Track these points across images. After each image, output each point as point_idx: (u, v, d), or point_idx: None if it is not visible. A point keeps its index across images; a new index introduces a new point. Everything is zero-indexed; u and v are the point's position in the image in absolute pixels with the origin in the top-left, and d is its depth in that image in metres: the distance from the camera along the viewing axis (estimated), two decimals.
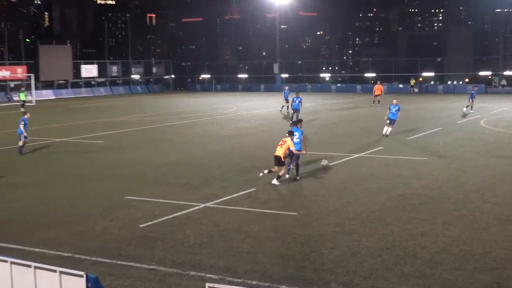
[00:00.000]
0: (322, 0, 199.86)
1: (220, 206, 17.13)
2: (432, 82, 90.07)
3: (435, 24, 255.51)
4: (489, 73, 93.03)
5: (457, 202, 17.27)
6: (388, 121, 32.04)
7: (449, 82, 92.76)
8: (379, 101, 52.52)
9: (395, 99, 34.62)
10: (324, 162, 22.92)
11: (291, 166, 20.94)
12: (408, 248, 13.19)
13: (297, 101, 39.78)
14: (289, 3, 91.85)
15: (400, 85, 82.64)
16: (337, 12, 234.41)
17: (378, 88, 54.30)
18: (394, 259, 12.45)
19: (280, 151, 19.86)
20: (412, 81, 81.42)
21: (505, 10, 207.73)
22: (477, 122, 38.88)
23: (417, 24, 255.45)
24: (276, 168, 19.83)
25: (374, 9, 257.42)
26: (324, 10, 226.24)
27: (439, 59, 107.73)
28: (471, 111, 44.54)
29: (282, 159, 19.82)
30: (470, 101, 44.71)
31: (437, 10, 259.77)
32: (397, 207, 16.73)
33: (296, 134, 20.60)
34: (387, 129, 31.91)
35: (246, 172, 22.21)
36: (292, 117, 38.06)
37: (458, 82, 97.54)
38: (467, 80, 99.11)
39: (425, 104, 55.81)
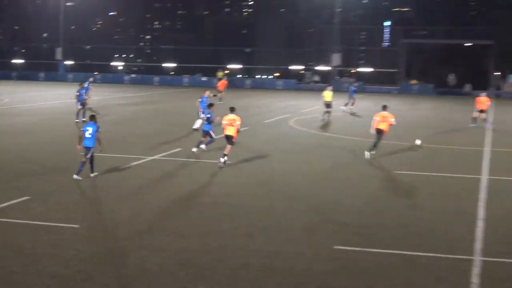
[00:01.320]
0: None
1: None
2: (239, 75, 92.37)
3: (245, 10, 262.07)
4: (301, 67, 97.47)
5: (261, 211, 17.96)
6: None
7: (258, 76, 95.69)
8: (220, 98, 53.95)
9: (207, 90, 35.55)
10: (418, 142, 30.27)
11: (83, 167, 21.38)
12: (205, 263, 13.53)
13: (83, 93, 39.11)
14: None
15: (204, 78, 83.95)
16: None
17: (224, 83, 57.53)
18: (189, 277, 12.76)
19: (231, 130, 24.24)
20: (220, 73, 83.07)
21: None
22: (286, 122, 40.56)
23: (224, 9, 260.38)
24: (228, 148, 24.18)
25: None
26: None
27: (248, 50, 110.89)
28: (351, 107, 48.30)
29: (233, 139, 24.43)
30: (351, 97, 48.39)
31: None
32: (194, 218, 17.11)
33: (89, 128, 21.26)
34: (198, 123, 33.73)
35: (19, 177, 21.68)
36: (77, 112, 37.56)
37: (267, 76, 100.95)
38: (277, 74, 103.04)
39: (231, 101, 57.28)
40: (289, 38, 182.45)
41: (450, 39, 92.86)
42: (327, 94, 42.28)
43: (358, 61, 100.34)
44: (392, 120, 26.74)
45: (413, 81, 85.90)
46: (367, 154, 26.83)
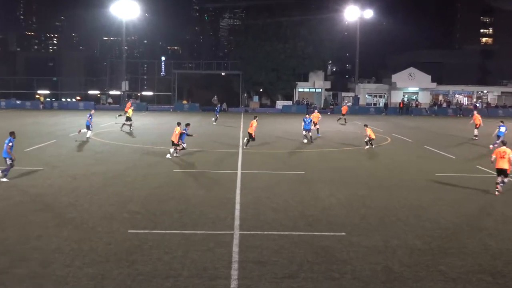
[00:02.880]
0: None
1: None
2: (48, 99, 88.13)
3: (51, 47, 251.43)
4: (97, 92, 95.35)
5: (68, 206, 17.10)
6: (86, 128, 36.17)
7: (64, 100, 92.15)
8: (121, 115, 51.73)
9: (93, 109, 37.48)
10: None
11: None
12: (23, 251, 12.66)
13: None
14: None
15: (18, 101, 79.30)
16: None
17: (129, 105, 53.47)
18: (9, 263, 11.83)
19: (174, 137, 27.74)
20: (42, 98, 79.80)
21: (111, 38, 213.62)
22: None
23: (34, 46, 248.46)
24: (173, 147, 28.16)
25: None
26: None
27: (55, 79, 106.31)
28: (214, 123, 52.37)
29: (176, 142, 27.74)
30: (216, 115, 54.51)
31: (52, 35, 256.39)
32: (15, 214, 15.94)
33: (5, 142, 21.13)
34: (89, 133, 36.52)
35: None
36: None
37: (71, 99, 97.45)
38: (79, 98, 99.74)
39: (42, 119, 54.52)
40: (87, 69, 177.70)
41: (210, 70, 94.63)
42: (130, 111, 43.78)
43: (142, 87, 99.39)
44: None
45: (184, 101, 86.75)
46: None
